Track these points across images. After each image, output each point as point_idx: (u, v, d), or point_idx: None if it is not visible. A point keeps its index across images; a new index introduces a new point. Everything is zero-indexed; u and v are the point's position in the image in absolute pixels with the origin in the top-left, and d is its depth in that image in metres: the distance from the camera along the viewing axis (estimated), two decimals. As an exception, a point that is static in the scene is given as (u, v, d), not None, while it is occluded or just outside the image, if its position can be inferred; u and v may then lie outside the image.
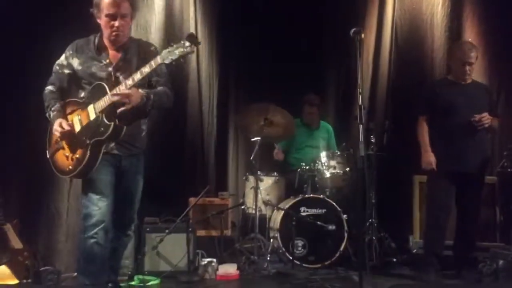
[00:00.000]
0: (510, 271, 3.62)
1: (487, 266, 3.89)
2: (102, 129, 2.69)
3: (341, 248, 4.24)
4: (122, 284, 3.59)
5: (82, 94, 2.85)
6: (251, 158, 4.44)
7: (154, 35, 4.67)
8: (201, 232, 4.37)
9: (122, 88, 2.64)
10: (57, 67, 2.91)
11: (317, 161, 4.58)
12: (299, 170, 4.65)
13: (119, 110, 2.66)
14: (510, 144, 4.54)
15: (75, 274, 3.84)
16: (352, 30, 3.26)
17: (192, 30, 5.05)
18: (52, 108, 2.82)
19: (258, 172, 4.39)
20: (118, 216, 2.91)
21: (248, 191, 4.62)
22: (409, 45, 5.31)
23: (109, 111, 2.69)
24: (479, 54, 4.06)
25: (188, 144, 5.02)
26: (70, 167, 2.78)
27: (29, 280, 3.60)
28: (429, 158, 3.83)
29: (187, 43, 2.52)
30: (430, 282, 3.76)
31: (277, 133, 4.61)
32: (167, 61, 2.55)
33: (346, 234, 4.26)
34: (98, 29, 2.88)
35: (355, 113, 3.20)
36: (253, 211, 4.34)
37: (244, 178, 4.80)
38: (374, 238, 4.31)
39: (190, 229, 3.99)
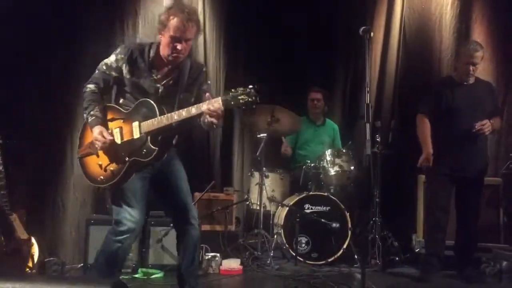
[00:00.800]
0: (513, 273, 3.63)
1: (491, 267, 3.92)
2: (145, 151, 2.60)
3: (345, 246, 4.26)
4: (125, 277, 3.64)
5: (121, 101, 2.73)
6: (257, 154, 4.45)
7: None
8: (205, 227, 4.39)
9: (214, 105, 2.44)
10: (104, 67, 2.74)
11: (322, 159, 4.59)
12: (304, 167, 4.67)
13: (208, 120, 2.51)
14: (516, 145, 4.54)
15: (80, 265, 3.91)
16: (362, 29, 3.24)
17: (201, 24, 5.06)
18: (91, 112, 2.66)
19: (263, 168, 4.41)
20: (173, 207, 2.82)
21: (253, 187, 4.64)
22: (417, 45, 5.32)
23: (155, 134, 2.60)
24: (485, 54, 4.05)
25: (194, 139, 5.03)
26: (102, 177, 2.70)
27: (34, 271, 3.63)
28: (425, 155, 3.82)
29: (253, 92, 2.38)
30: (431, 282, 3.77)
31: (283, 129, 4.62)
32: (228, 107, 2.42)
33: (349, 232, 4.27)
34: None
35: (362, 112, 3.18)
36: (258, 207, 4.36)
37: (249, 174, 4.83)
38: (377, 236, 4.32)
39: (194, 223, 4.00)
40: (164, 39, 2.66)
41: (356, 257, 4.23)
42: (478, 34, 5.10)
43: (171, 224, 3.87)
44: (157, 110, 2.58)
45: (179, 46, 2.62)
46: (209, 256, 3.93)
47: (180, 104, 2.66)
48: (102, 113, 2.69)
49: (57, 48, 4.12)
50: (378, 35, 5.35)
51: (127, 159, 2.62)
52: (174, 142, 2.86)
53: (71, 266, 3.99)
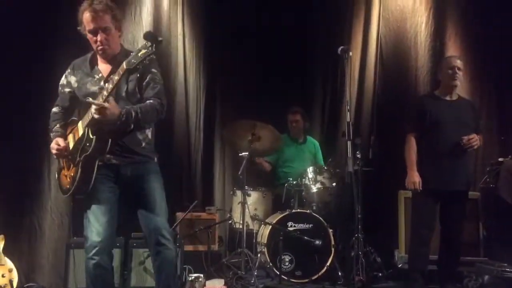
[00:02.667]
0: (495, 286, 3.67)
1: (473, 281, 3.95)
2: (88, 143, 2.65)
3: (328, 263, 4.25)
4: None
5: (81, 114, 2.83)
6: (239, 173, 4.43)
7: (142, 51, 4.67)
8: (188, 247, 4.33)
9: (98, 101, 2.54)
10: (60, 88, 2.93)
11: (304, 176, 4.61)
12: (286, 184, 4.68)
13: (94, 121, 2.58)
14: (493, 160, 4.63)
15: (59, 290, 3.83)
16: (340, 48, 3.31)
17: (181, 45, 5.10)
18: (53, 129, 2.87)
19: (246, 186, 4.40)
20: (145, 228, 2.78)
21: (236, 206, 4.62)
22: (393, 62, 5.43)
23: (93, 124, 2.63)
24: (463, 67, 4.13)
25: (175, 158, 5.01)
26: (68, 186, 2.77)
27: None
28: (414, 178, 3.83)
29: (148, 43, 2.46)
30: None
31: (264, 148, 4.63)
32: (131, 66, 2.48)
33: (332, 249, 4.28)
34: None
35: (342, 129, 3.23)
36: (240, 226, 4.33)
37: (231, 192, 4.81)
38: (360, 252, 4.31)
39: (177, 244, 3.96)
40: (88, 37, 2.76)
41: (340, 274, 4.23)
42: (453, 51, 5.22)
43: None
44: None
45: (98, 37, 2.71)
46: (193, 277, 3.86)
47: (128, 96, 2.72)
48: (63, 128, 2.88)
49: (34, 72, 4.08)
50: (355, 53, 5.44)
51: (78, 158, 2.68)
52: (142, 137, 2.82)
53: (51, 291, 3.89)
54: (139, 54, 2.47)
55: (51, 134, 2.86)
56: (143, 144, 2.84)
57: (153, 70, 2.81)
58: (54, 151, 2.77)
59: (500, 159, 4.46)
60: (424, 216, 3.86)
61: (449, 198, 3.83)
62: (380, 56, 5.43)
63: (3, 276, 3.51)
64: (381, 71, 5.42)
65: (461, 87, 4.97)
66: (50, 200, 4.14)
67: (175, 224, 4.26)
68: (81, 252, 3.53)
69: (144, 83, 2.76)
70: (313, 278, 4.22)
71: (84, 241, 3.49)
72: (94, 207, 2.71)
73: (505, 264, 3.68)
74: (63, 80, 2.91)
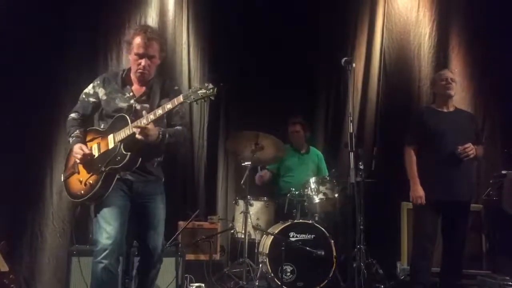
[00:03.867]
0: (497, 299, 3.65)
1: (475, 293, 3.93)
2: (119, 158, 2.75)
3: (330, 274, 4.23)
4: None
5: (102, 126, 2.95)
6: (242, 182, 4.44)
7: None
8: (189, 256, 4.33)
9: (143, 122, 2.69)
10: (83, 96, 3.01)
11: (307, 186, 4.60)
12: (288, 195, 4.67)
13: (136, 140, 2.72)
14: (495, 172, 4.62)
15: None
16: (344, 60, 3.31)
17: (185, 54, 5.13)
18: (72, 134, 2.92)
19: (248, 196, 4.40)
20: (144, 243, 2.92)
21: (238, 216, 4.62)
22: (397, 74, 5.45)
23: (128, 142, 2.76)
24: (462, 85, 4.16)
25: (179, 167, 5.02)
26: (82, 191, 2.84)
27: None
28: (419, 192, 3.83)
29: (210, 86, 2.63)
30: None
31: (267, 157, 4.64)
32: (188, 100, 2.63)
33: (334, 260, 4.26)
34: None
35: (345, 140, 3.23)
36: (242, 236, 4.33)
37: (233, 202, 4.80)
38: (362, 264, 4.31)
39: (179, 253, 3.96)
40: (131, 57, 2.93)
41: (341, 285, 4.21)
42: (456, 63, 5.25)
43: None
44: (129, 120, 2.77)
45: (143, 62, 2.87)
46: (194, 286, 3.88)
47: (156, 120, 2.77)
48: (82, 134, 2.94)
49: (38, 80, 4.12)
50: (359, 64, 5.46)
51: (103, 169, 2.77)
52: (156, 159, 2.95)
53: (52, 298, 3.90)
54: (199, 93, 2.63)
55: (70, 139, 2.92)
56: (155, 165, 2.98)
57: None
58: (78, 156, 2.81)
59: (503, 172, 4.46)
60: (426, 228, 3.84)
61: (451, 209, 3.82)
62: (384, 67, 5.45)
63: None
64: (384, 82, 5.44)
65: (464, 100, 5.03)
66: (51, 207, 4.17)
67: (177, 233, 4.26)
68: (83, 260, 3.61)
69: (174, 111, 2.88)
70: (315, 289, 4.20)
71: (86, 248, 3.56)
72: (106, 211, 2.78)
73: (508, 278, 3.66)
74: (89, 89, 2.99)
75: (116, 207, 2.79)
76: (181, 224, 4.43)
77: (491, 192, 4.50)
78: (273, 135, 4.46)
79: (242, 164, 4.54)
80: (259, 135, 4.38)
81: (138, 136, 2.67)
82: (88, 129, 2.99)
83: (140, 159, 2.80)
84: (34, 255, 4.07)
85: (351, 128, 3.24)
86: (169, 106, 2.68)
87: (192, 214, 4.41)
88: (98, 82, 2.98)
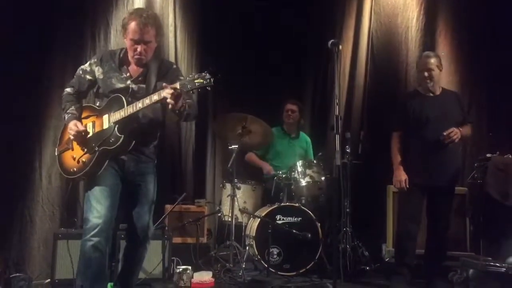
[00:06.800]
0: (480, 280, 3.70)
1: (458, 275, 3.99)
2: (113, 139, 2.76)
3: (316, 256, 4.28)
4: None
5: (98, 103, 2.94)
6: (229, 165, 4.44)
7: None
8: (176, 239, 4.35)
9: (168, 90, 2.60)
10: (80, 72, 2.99)
11: (293, 170, 4.62)
12: (275, 178, 4.69)
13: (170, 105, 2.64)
14: (481, 156, 4.66)
15: (47, 280, 3.82)
16: (330, 42, 3.29)
17: (172, 36, 5.07)
18: (68, 110, 2.92)
19: (235, 179, 4.41)
20: (133, 223, 2.91)
21: (225, 199, 4.64)
22: (384, 57, 5.45)
23: (123, 123, 2.76)
24: (450, 67, 4.15)
25: (166, 150, 5.00)
26: (75, 168, 2.87)
27: (-1, 287, 3.54)
28: (400, 177, 3.89)
29: (208, 76, 2.58)
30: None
31: (254, 141, 4.64)
32: (184, 89, 2.59)
33: (321, 243, 4.30)
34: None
35: (331, 123, 3.24)
36: (229, 219, 4.35)
37: (221, 185, 4.81)
38: (348, 246, 4.36)
39: (165, 236, 3.98)
40: (127, 42, 2.89)
41: (327, 267, 4.26)
42: (443, 47, 5.26)
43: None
44: (125, 101, 2.77)
45: (138, 48, 2.84)
46: (180, 269, 3.88)
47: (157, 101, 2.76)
48: (77, 111, 2.93)
49: (26, 61, 4.06)
50: (347, 48, 5.46)
51: (96, 148, 2.79)
52: (149, 149, 2.96)
53: (38, 282, 3.88)
54: (195, 81, 2.57)
55: (65, 115, 2.92)
56: (151, 146, 3.00)
57: (181, 78, 2.95)
58: (72, 132, 2.82)
59: (488, 155, 4.49)
60: (411, 210, 3.89)
61: (436, 192, 3.87)
62: (371, 50, 5.45)
63: None
64: (372, 65, 5.44)
65: (451, 84, 5.03)
66: (41, 191, 4.13)
67: (163, 216, 4.27)
68: (68, 243, 3.61)
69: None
70: (301, 271, 4.24)
71: (72, 231, 3.56)
72: (97, 190, 2.79)
73: (490, 258, 3.72)
74: (86, 67, 2.98)
75: (107, 186, 2.80)
76: (168, 207, 4.44)
77: (475, 176, 4.54)
78: (261, 118, 4.45)
79: (229, 147, 4.54)
80: (248, 117, 4.37)
81: (170, 100, 2.59)
82: (84, 105, 3.00)
83: (134, 142, 2.80)
84: (23, 240, 4.04)
85: (337, 111, 3.23)
86: (164, 93, 2.62)
87: (179, 198, 4.41)
88: (95, 60, 2.96)
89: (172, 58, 5.05)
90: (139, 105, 2.70)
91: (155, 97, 2.68)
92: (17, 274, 3.73)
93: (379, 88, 5.40)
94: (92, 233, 2.71)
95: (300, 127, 5.25)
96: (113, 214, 2.81)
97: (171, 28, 5.07)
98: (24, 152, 4.09)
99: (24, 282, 3.65)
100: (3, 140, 3.94)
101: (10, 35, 4.02)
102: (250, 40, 5.36)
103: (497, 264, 3.54)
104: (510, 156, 4.44)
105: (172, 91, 2.58)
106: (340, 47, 3.35)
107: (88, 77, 2.96)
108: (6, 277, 3.63)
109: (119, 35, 4.55)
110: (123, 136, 2.75)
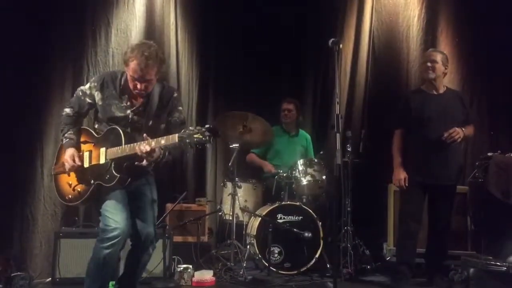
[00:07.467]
0: (481, 279, 3.70)
1: (458, 274, 3.99)
2: (108, 176, 2.76)
3: (317, 255, 4.28)
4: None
5: (97, 126, 2.94)
6: (229, 164, 4.45)
7: (135, 40, 4.61)
8: (177, 238, 4.35)
9: (144, 146, 2.62)
10: (80, 93, 2.96)
11: (294, 169, 4.61)
12: (276, 177, 4.69)
13: (137, 163, 2.70)
14: (482, 154, 4.66)
15: (48, 279, 3.83)
16: (331, 40, 3.29)
17: (173, 35, 5.08)
18: (66, 135, 2.91)
19: (236, 178, 4.41)
20: (138, 231, 2.91)
21: (226, 198, 4.64)
22: (385, 56, 5.45)
23: (119, 161, 2.75)
24: (451, 66, 4.15)
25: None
26: (70, 196, 2.91)
27: (0, 286, 3.54)
28: (400, 175, 3.89)
29: (207, 133, 2.53)
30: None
31: (255, 140, 4.64)
32: (182, 143, 2.54)
33: (321, 241, 4.30)
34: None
35: (332, 122, 3.23)
36: (230, 218, 4.35)
37: (222, 184, 4.81)
38: (349, 245, 4.36)
39: (166, 235, 3.98)
40: (128, 74, 2.83)
41: (328, 266, 4.26)
42: (445, 46, 5.24)
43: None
44: (123, 138, 2.74)
45: (138, 86, 2.78)
46: (181, 268, 3.90)
47: (149, 131, 2.76)
48: (76, 135, 2.93)
49: (26, 60, 4.06)
50: (348, 46, 5.45)
51: (92, 182, 2.81)
52: (152, 163, 2.92)
53: (40, 280, 3.89)
54: (194, 137, 2.52)
55: (63, 139, 2.92)
56: (152, 164, 2.95)
57: (180, 108, 2.99)
58: (68, 166, 2.84)
59: (489, 154, 4.48)
60: (412, 209, 3.89)
61: (437, 191, 3.87)
62: (372, 49, 5.44)
63: None
64: (373, 64, 5.44)
65: (452, 82, 5.03)
66: (43, 190, 4.14)
67: (164, 215, 4.28)
68: (70, 242, 3.63)
69: (171, 121, 2.91)
70: (302, 270, 4.24)
71: (73, 230, 3.56)
72: (112, 204, 2.77)
73: (490, 257, 3.72)
74: (86, 89, 2.93)
75: (119, 201, 2.80)
76: (169, 206, 4.44)
77: (476, 174, 4.53)
78: (261, 117, 4.45)
79: (230, 146, 4.54)
80: (248, 116, 4.37)
81: (145, 163, 2.66)
82: (83, 127, 2.99)
83: (129, 179, 2.79)
84: (25, 239, 4.06)
85: (337, 109, 3.23)
86: (163, 142, 2.61)
87: (180, 197, 4.42)
88: (95, 84, 2.90)
89: (172, 58, 5.06)
90: (136, 149, 2.65)
91: (153, 144, 2.63)
92: (18, 272, 3.75)
93: (380, 86, 5.39)
94: (111, 242, 2.70)
95: (299, 125, 5.25)
96: (129, 226, 2.81)
97: (172, 27, 5.07)
98: (25, 151, 4.10)
99: (25, 280, 3.67)
100: (4, 139, 3.95)
101: (10, 34, 4.02)
102: (250, 40, 5.35)
103: (498, 263, 3.54)
104: (511, 155, 4.43)
105: (146, 150, 2.59)
106: (341, 45, 3.34)
107: (88, 100, 2.92)
108: (7, 275, 3.64)
109: (120, 34, 4.62)
110: (119, 175, 2.74)
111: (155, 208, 3.01)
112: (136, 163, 2.73)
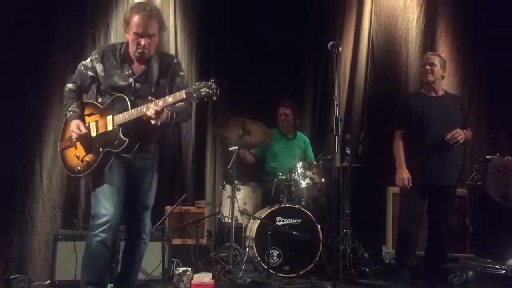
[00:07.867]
0: (480, 282, 3.71)
1: (457, 277, 3.98)
2: (117, 142, 2.77)
3: (316, 258, 4.27)
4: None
5: (100, 100, 2.94)
6: (229, 167, 4.45)
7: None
8: (176, 241, 4.34)
9: (152, 106, 2.64)
10: (82, 67, 2.97)
11: (293, 171, 4.62)
12: (275, 179, 4.69)
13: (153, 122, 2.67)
14: (481, 157, 4.67)
15: (47, 282, 3.82)
16: (330, 44, 3.30)
17: (172, 38, 5.08)
18: (69, 108, 2.90)
19: (235, 181, 4.41)
20: (132, 219, 2.94)
21: (225, 200, 4.64)
22: (385, 59, 5.47)
23: (127, 126, 2.76)
24: (450, 69, 4.18)
25: (166, 151, 5.00)
26: (79, 167, 2.89)
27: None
28: (403, 175, 3.90)
29: (214, 85, 2.55)
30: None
31: (254, 141, 4.65)
32: (190, 99, 2.58)
33: (321, 244, 4.30)
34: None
35: (331, 125, 3.24)
36: (229, 220, 4.35)
37: (221, 187, 4.81)
38: (348, 248, 4.36)
39: (165, 237, 3.98)
40: (129, 37, 2.85)
41: (327, 269, 4.25)
42: (443, 48, 5.26)
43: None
44: (129, 104, 2.75)
45: (142, 42, 2.80)
46: (180, 271, 3.88)
47: (156, 95, 2.75)
48: (79, 108, 2.91)
49: (26, 62, 4.06)
50: (347, 49, 5.47)
51: (101, 150, 2.80)
52: (153, 146, 2.98)
53: (38, 283, 3.88)
54: (201, 91, 2.54)
55: (67, 113, 2.90)
56: (154, 144, 3.00)
57: (181, 73, 2.99)
58: (75, 135, 2.83)
59: (488, 157, 4.51)
60: (411, 211, 3.90)
61: (437, 193, 3.87)
62: (372, 52, 5.46)
63: None
64: (372, 67, 5.45)
65: (451, 85, 5.04)
66: (42, 192, 4.13)
67: (163, 218, 4.27)
68: (69, 244, 3.62)
69: (174, 86, 2.90)
70: (301, 272, 4.24)
71: (72, 233, 3.54)
72: (105, 188, 2.80)
73: (489, 260, 3.72)
74: (87, 63, 2.95)
75: (114, 183, 2.82)
76: (168, 208, 4.44)
77: (475, 177, 4.55)
78: (260, 121, 4.45)
79: (229, 149, 4.54)
80: (246, 121, 4.37)
81: (153, 121, 2.64)
82: (86, 101, 2.98)
83: (138, 144, 2.80)
84: (24, 241, 4.05)
85: (336, 112, 3.23)
86: (170, 99, 2.63)
87: (179, 199, 4.42)
88: (96, 56, 2.92)
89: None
90: (144, 110, 2.67)
91: (160, 103, 2.64)
92: (17, 275, 3.75)
93: (379, 89, 5.41)
94: (101, 229, 2.74)
95: (296, 127, 5.25)
96: (120, 211, 2.83)
97: (172, 29, 5.07)
98: (25, 153, 4.09)
99: (24, 283, 3.67)
100: (3, 140, 3.95)
101: (10, 35, 4.02)
102: (249, 42, 5.36)
103: (496, 266, 3.55)
104: (510, 158, 4.45)
105: (156, 110, 2.60)
106: (340, 48, 3.35)
107: (90, 73, 2.93)
108: (6, 278, 3.63)
109: (119, 36, 4.61)
110: (128, 139, 2.75)
111: (152, 197, 2.99)
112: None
